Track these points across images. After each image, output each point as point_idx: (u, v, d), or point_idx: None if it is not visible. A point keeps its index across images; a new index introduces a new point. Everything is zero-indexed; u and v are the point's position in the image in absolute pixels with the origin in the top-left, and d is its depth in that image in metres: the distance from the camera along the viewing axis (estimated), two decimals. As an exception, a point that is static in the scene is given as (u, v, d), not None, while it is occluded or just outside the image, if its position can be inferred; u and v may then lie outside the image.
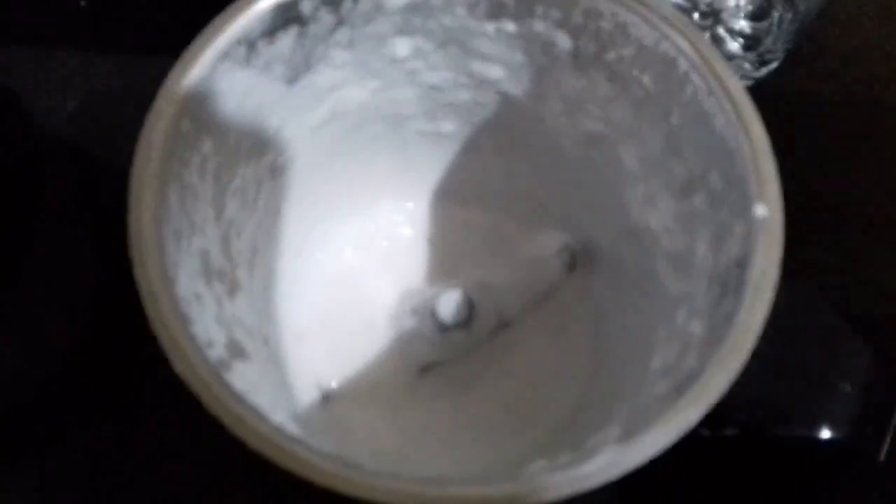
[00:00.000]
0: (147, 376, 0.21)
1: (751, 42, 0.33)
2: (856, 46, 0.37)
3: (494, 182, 0.31)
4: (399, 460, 0.27)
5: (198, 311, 0.19)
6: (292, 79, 0.24)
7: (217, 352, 0.19)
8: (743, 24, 0.32)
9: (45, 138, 0.32)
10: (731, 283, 0.20)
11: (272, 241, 0.27)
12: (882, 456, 0.24)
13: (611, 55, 0.24)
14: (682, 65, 0.22)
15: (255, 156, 0.25)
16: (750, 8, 0.32)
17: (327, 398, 0.27)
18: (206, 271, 0.21)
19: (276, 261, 0.28)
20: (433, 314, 0.28)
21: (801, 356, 0.23)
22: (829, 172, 0.33)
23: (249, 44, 0.22)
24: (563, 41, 0.24)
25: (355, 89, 0.27)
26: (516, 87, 0.27)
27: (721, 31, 0.33)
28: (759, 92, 0.22)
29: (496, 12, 0.24)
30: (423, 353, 0.28)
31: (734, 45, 0.33)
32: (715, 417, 0.18)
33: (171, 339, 0.18)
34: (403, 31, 0.25)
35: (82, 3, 0.36)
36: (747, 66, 0.34)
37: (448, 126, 0.29)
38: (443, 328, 0.28)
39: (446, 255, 0.29)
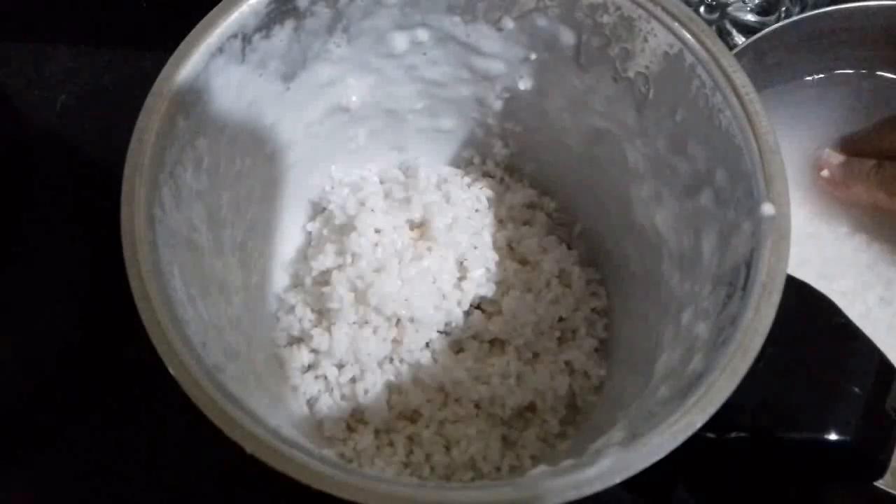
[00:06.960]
0: (141, 378, 0.21)
1: (758, 36, 0.32)
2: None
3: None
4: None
5: (192, 313, 0.19)
6: (288, 75, 0.24)
7: (212, 354, 0.19)
8: (750, 18, 0.32)
9: (36, 133, 0.32)
10: (737, 283, 0.19)
11: (268, 241, 0.27)
12: (890, 458, 0.23)
13: (615, 50, 0.23)
14: (688, 59, 0.21)
15: (251, 153, 0.24)
16: (757, 1, 0.31)
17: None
18: (200, 272, 0.21)
19: (271, 261, 0.27)
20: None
21: (808, 358, 0.22)
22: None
23: (245, 38, 0.22)
24: (567, 36, 0.24)
25: (353, 85, 0.26)
26: (518, 83, 0.26)
27: (728, 24, 0.32)
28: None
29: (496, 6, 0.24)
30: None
31: (741, 40, 0.32)
32: (720, 421, 0.17)
33: (165, 341, 0.18)
34: (402, 25, 0.25)
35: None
36: (754, 60, 0.33)
37: (447, 122, 0.29)
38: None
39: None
